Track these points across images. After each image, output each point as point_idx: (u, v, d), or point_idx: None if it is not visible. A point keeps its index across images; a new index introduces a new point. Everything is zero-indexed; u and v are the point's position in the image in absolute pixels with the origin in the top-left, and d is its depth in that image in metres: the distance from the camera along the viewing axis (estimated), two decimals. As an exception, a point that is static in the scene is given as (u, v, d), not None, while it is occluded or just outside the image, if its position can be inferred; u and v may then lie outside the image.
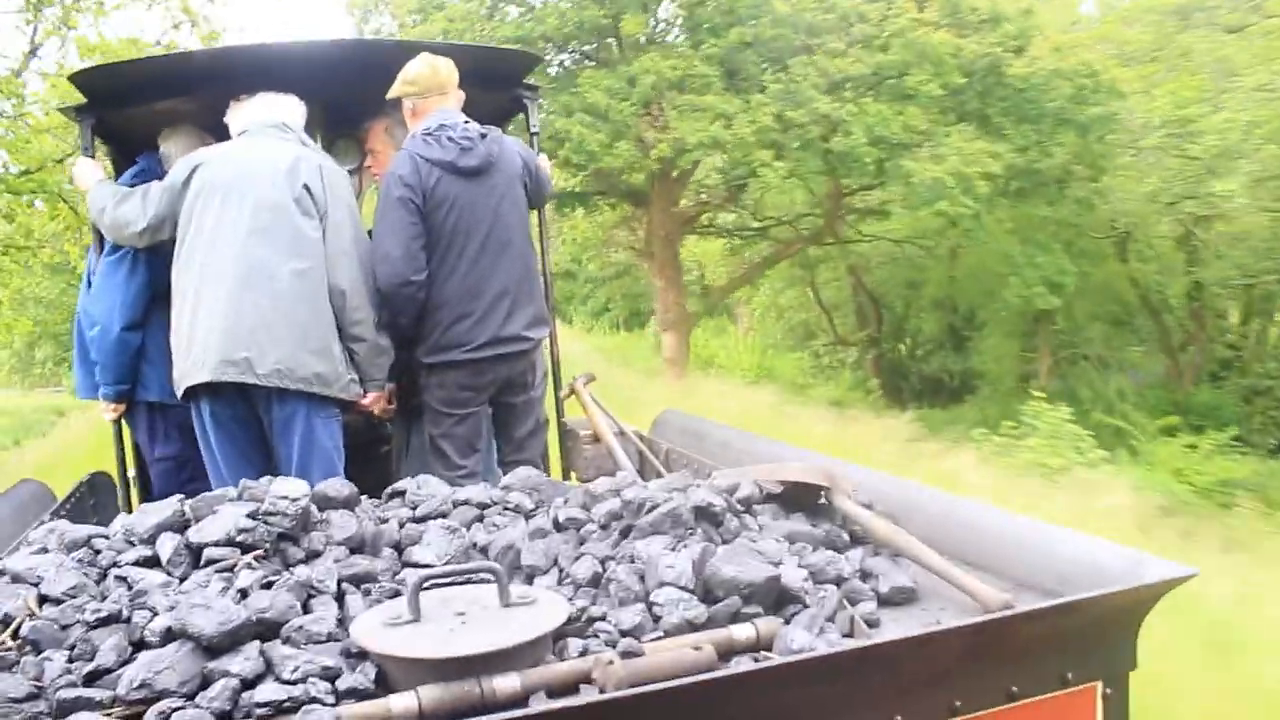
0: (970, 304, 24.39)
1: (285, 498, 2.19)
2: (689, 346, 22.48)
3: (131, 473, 4.08)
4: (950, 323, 26.16)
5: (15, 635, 1.90)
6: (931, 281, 25.08)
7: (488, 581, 2.07)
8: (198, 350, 3.52)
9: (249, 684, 1.75)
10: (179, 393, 3.63)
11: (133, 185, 3.88)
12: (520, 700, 1.74)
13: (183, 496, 2.34)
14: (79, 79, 3.88)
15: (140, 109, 4.02)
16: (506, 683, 1.74)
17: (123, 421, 4.04)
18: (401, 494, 2.56)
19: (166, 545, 2.12)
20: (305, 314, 3.58)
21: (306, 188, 3.66)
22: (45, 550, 2.20)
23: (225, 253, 3.57)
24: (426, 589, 1.94)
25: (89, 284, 4.16)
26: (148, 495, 4.06)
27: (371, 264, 3.77)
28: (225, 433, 3.63)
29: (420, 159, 3.82)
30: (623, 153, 17.54)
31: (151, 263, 3.80)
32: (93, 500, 3.68)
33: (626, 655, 1.83)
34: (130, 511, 3.88)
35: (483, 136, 3.92)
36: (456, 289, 3.86)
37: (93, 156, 3.99)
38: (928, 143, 17.94)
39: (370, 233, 3.90)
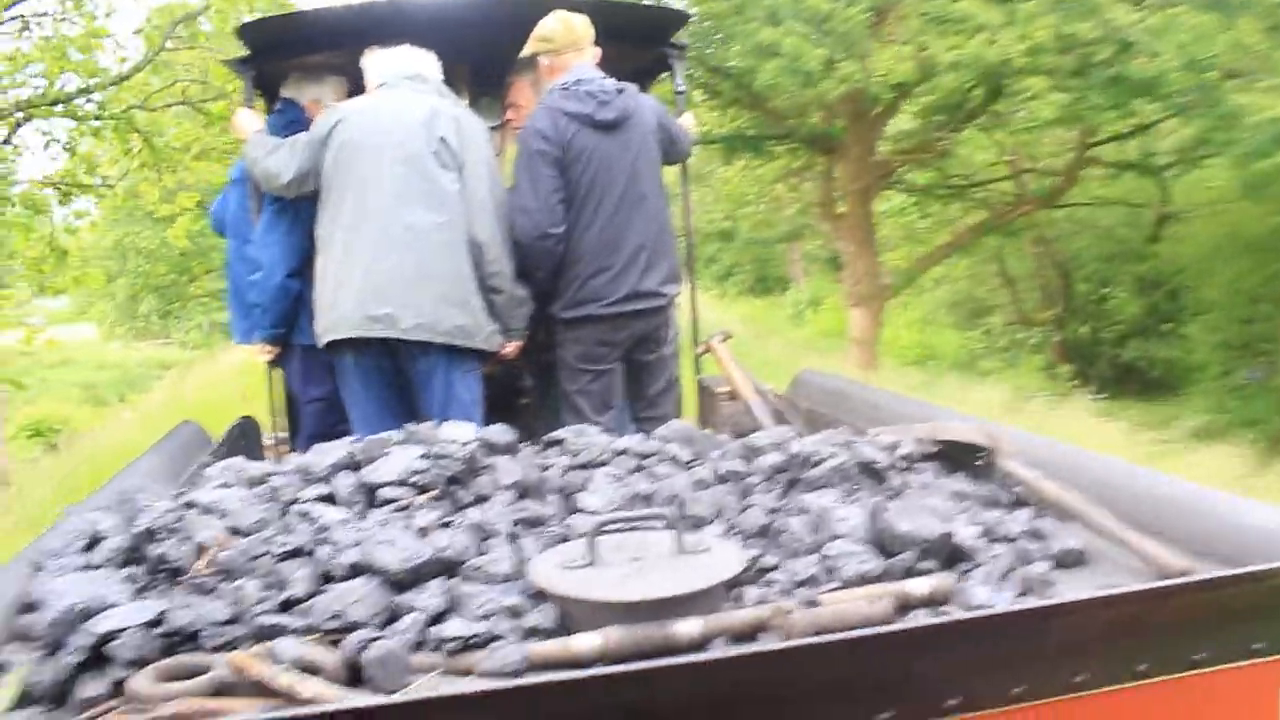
0: (1183, 284, 19.60)
1: (454, 441, 2.23)
2: (880, 326, 17.91)
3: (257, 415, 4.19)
4: (1154, 303, 20.91)
5: (211, 564, 1.96)
6: (1136, 255, 20.45)
7: (657, 529, 2.08)
8: (342, 305, 3.59)
9: (435, 619, 1.79)
10: (320, 344, 3.72)
11: (284, 135, 3.96)
12: (701, 645, 1.74)
13: (357, 438, 2.38)
14: (244, 32, 3.97)
15: (295, 62, 4.11)
16: (688, 627, 1.74)
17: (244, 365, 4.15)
18: (559, 442, 2.59)
19: (343, 484, 2.17)
20: (445, 267, 3.63)
21: (443, 140, 3.70)
22: (227, 485, 2.27)
23: (365, 207, 3.63)
24: (602, 534, 1.95)
25: (236, 235, 4.28)
26: (295, 436, 4.17)
27: (510, 217, 3.80)
28: (367, 384, 3.71)
29: (558, 113, 3.84)
30: (850, 75, 13.02)
31: (311, 211, 3.88)
32: (243, 442, 3.80)
33: (806, 605, 1.82)
34: (276, 453, 4.01)
35: (619, 91, 3.92)
36: (594, 243, 3.87)
37: (253, 108, 4.09)
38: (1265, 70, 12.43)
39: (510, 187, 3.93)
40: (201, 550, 2.00)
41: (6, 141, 10.20)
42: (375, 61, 3.90)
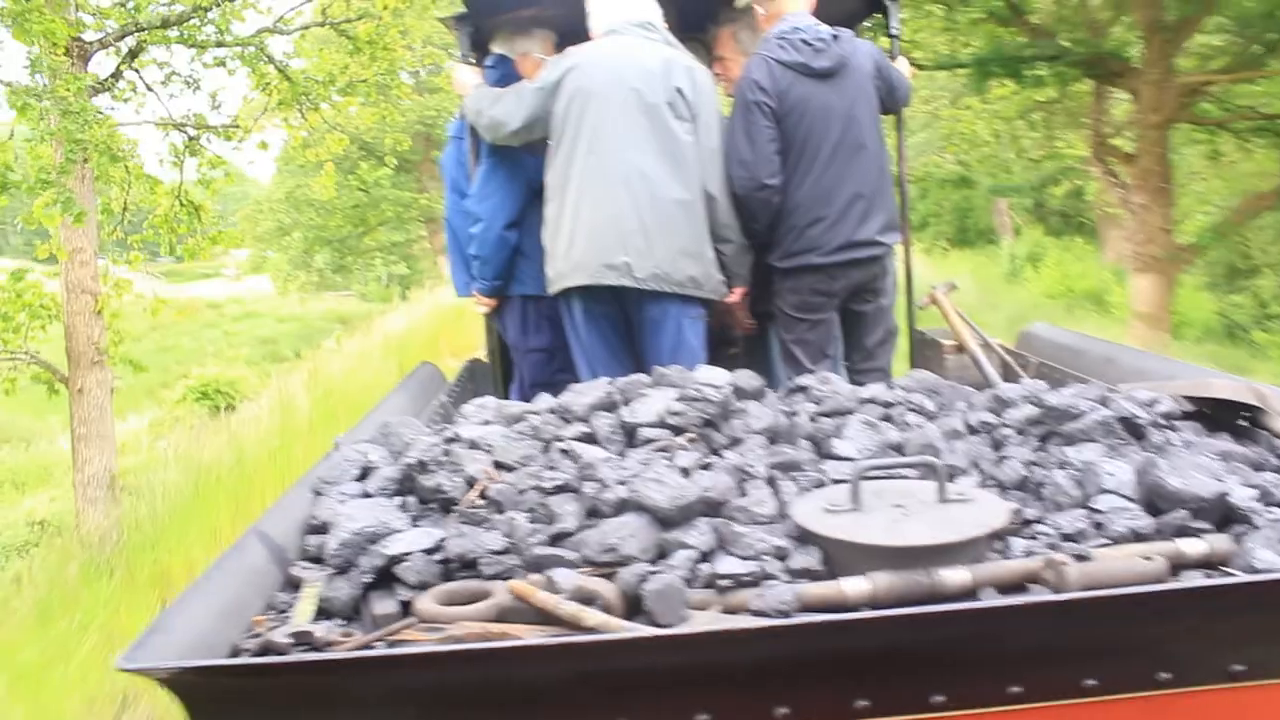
0: None
1: (710, 385, 2.25)
2: (1170, 298, 12.94)
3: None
4: None
5: (482, 495, 2.04)
6: None
7: (916, 478, 2.06)
8: (576, 253, 3.65)
9: (704, 556, 1.82)
10: (551, 291, 3.80)
11: (497, 86, 4.03)
12: (969, 594, 1.73)
13: (610, 380, 2.44)
14: None
15: (507, 16, 4.16)
16: (956, 576, 1.73)
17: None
18: (804, 389, 2.59)
19: (602, 423, 2.23)
20: (681, 218, 3.66)
21: (679, 91, 3.70)
22: (488, 422, 2.35)
23: (601, 156, 3.67)
24: (865, 480, 1.95)
25: (455, 190, 4.38)
26: (508, 383, 4.28)
27: (726, 169, 3.80)
28: (595, 330, 3.77)
29: (774, 62, 3.80)
30: None
31: (530, 162, 3.95)
32: (472, 384, 3.92)
33: (1077, 559, 1.78)
34: (501, 396, 4.13)
35: (835, 38, 3.85)
36: (810, 193, 3.83)
37: (471, 63, 4.17)
38: None
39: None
40: (471, 483, 2.08)
41: (117, 76, 8.61)
42: (602, 6, 3.91)
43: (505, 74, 4.21)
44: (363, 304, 40.39)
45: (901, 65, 4.21)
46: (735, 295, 3.90)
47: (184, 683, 1.56)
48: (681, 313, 3.70)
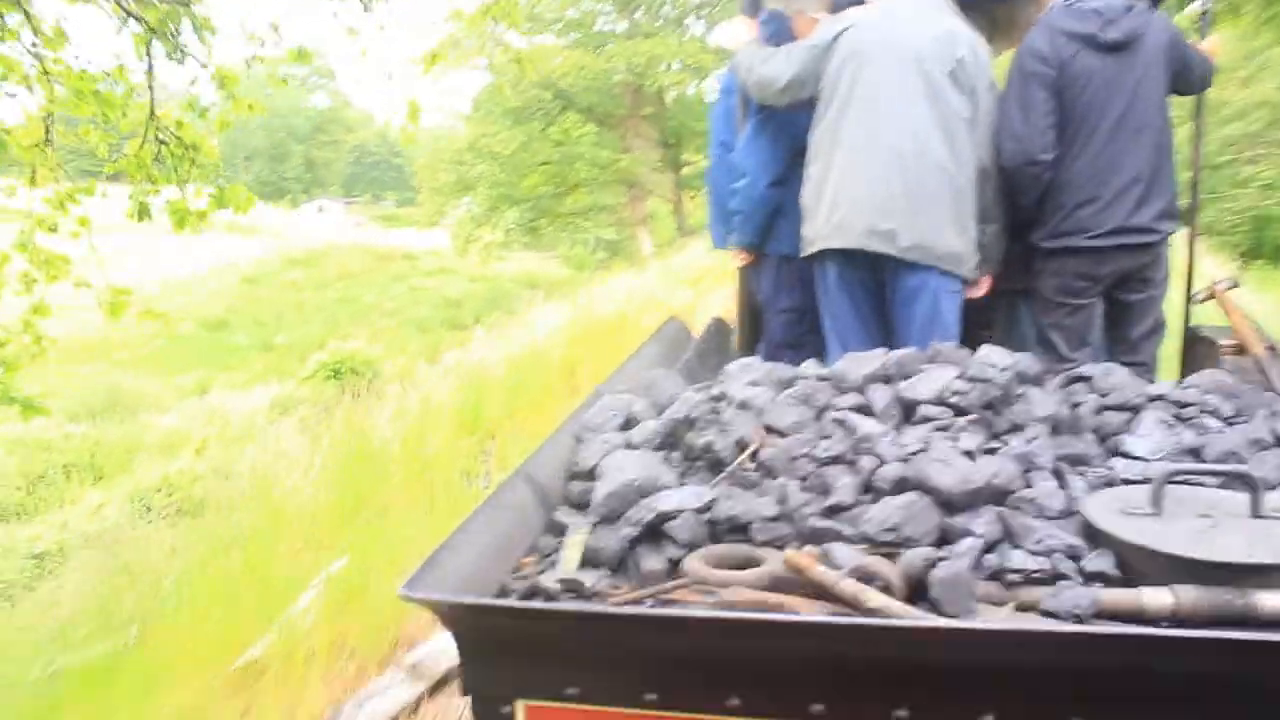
0: None
1: (994, 365, 2.13)
2: None
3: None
4: None
5: (753, 458, 1.99)
6: None
7: (1220, 487, 1.90)
8: (838, 216, 3.55)
9: (989, 547, 1.72)
10: (805, 252, 3.71)
11: (769, 44, 3.94)
12: None
13: (887, 351, 2.34)
14: None
15: None
16: (1274, 601, 1.57)
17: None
18: (1086, 379, 2.43)
19: (878, 396, 2.14)
20: (950, 191, 3.51)
21: (960, 61, 3.54)
22: (756, 384, 2.29)
23: (874, 120, 3.55)
24: (1170, 484, 1.80)
25: (719, 142, 4.34)
26: (756, 341, 4.23)
27: (996, 141, 3.62)
28: (848, 296, 3.67)
29: (1058, 32, 3.58)
30: None
31: (797, 120, 3.86)
32: (717, 340, 3.89)
33: None
34: (743, 354, 4.08)
35: (1128, 9, 3.60)
36: (1084, 171, 3.61)
37: (751, 19, 4.09)
38: None
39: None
40: (742, 445, 2.03)
41: None
42: None
43: (778, 31, 4.13)
44: (562, 270, 40.19)
45: (1211, 43, 3.91)
46: (983, 285, 3.73)
47: (458, 617, 1.57)
48: (940, 286, 3.56)
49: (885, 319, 3.67)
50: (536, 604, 1.60)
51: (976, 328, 4.01)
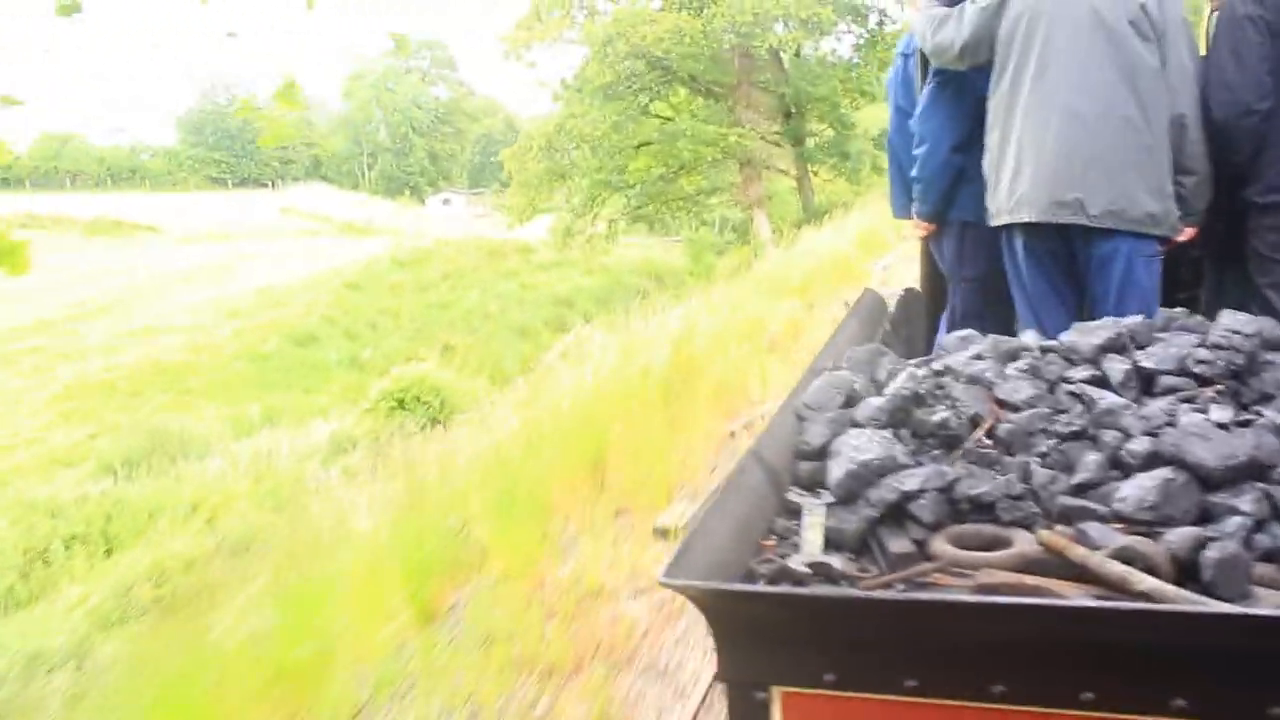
0: None
1: (1238, 332, 2.04)
2: None
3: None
4: None
5: (989, 434, 1.96)
6: None
7: None
8: (1022, 186, 3.44)
9: (1257, 525, 1.65)
10: (993, 223, 3.62)
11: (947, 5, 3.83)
12: None
13: (1117, 320, 2.27)
14: None
15: None
16: None
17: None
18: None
19: (1115, 367, 2.07)
20: (1141, 149, 3.36)
21: (1143, 7, 3.37)
22: (981, 358, 2.25)
23: (1054, 81, 3.41)
24: None
25: (897, 107, 4.25)
26: (938, 313, 4.15)
27: (1205, 91, 3.44)
28: (1037, 266, 3.56)
29: None
30: None
31: (978, 83, 3.76)
32: (907, 314, 3.83)
33: None
34: (933, 327, 4.01)
35: None
36: None
37: None
38: None
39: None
40: (975, 421, 1.99)
41: None
42: None
43: None
44: (684, 258, 37.36)
45: None
46: (1186, 234, 3.55)
47: (714, 604, 1.59)
48: (1134, 250, 3.41)
49: (1078, 287, 3.55)
50: (795, 590, 1.60)
51: (1171, 289, 3.85)
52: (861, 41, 34.58)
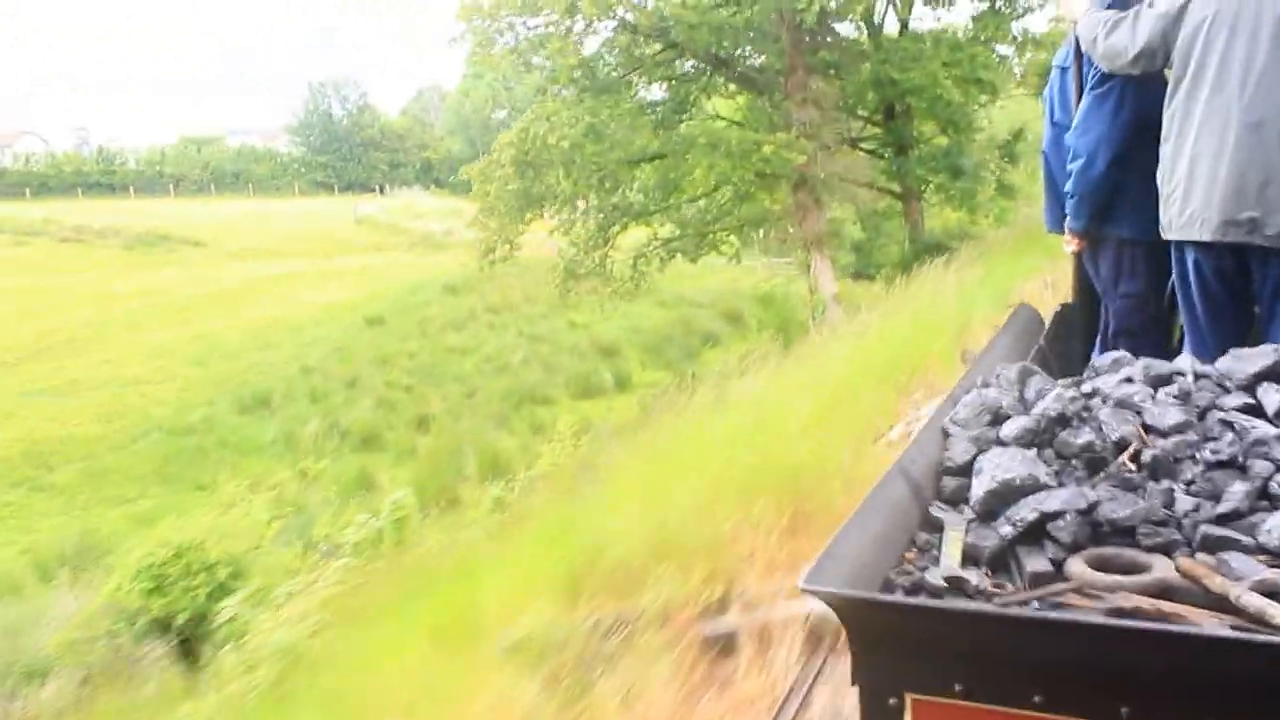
0: None
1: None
2: None
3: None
4: None
5: (1134, 459, 1.97)
6: None
7: None
8: (1193, 204, 3.35)
9: None
10: (1165, 237, 3.54)
11: (1110, 10, 3.75)
12: None
13: (1277, 348, 2.24)
14: None
15: None
16: None
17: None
18: None
19: (1271, 397, 2.06)
20: None
21: None
22: (1131, 381, 2.25)
23: (1228, 95, 3.31)
24: None
25: (1052, 121, 4.18)
26: (1093, 329, 4.08)
27: None
28: (1207, 285, 3.46)
29: None
30: None
31: (1140, 95, 3.68)
32: (1063, 330, 3.78)
33: None
34: (1091, 344, 3.95)
35: None
36: None
37: None
38: None
39: None
40: (1121, 445, 2.01)
41: None
42: None
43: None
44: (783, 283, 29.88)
45: None
46: None
47: (852, 611, 1.66)
48: None
49: (1250, 308, 3.45)
50: (931, 601, 1.66)
51: None
52: (981, 10, 24.02)
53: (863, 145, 25.80)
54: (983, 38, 23.63)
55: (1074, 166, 3.84)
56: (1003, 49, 24.29)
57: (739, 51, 23.57)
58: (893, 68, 22.33)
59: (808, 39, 22.46)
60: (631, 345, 27.49)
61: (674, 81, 24.34)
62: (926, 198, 25.19)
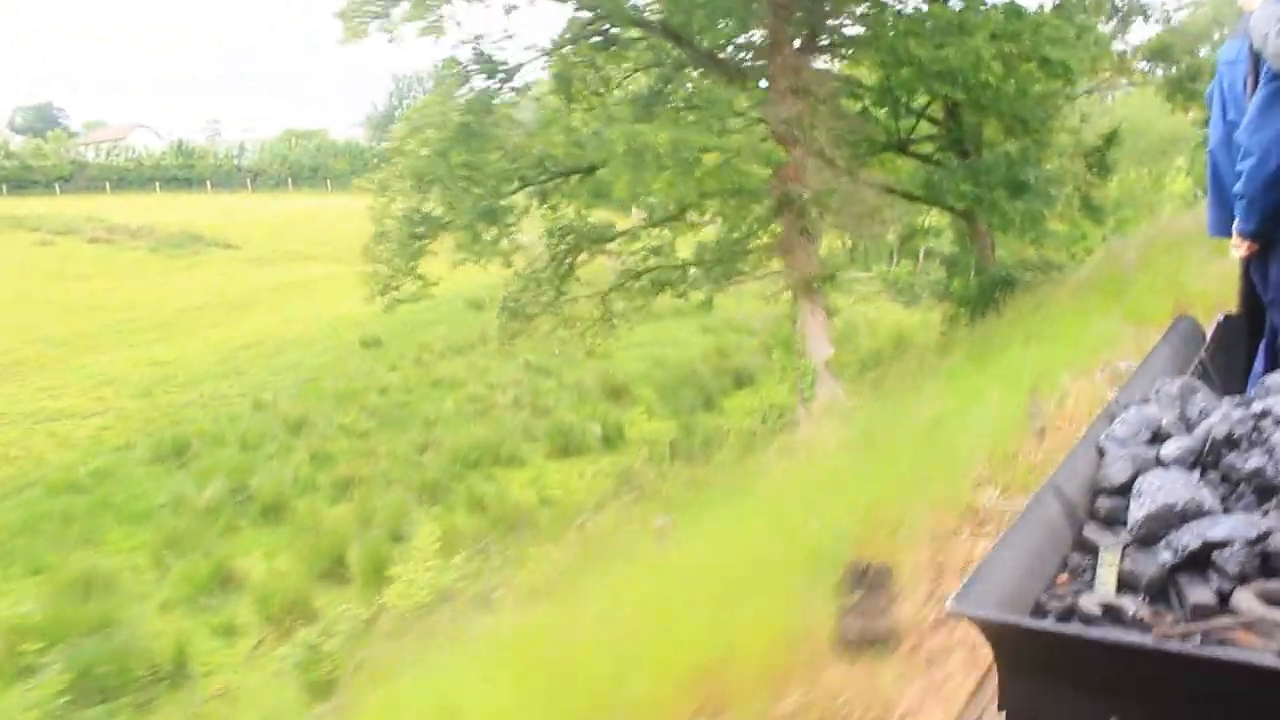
0: None
1: None
2: None
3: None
4: None
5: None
6: None
7: None
8: None
9: None
10: None
11: None
12: None
13: None
14: None
15: None
16: None
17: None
18: None
19: None
20: None
21: None
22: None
23: None
24: None
25: (1224, 118, 3.99)
26: (1258, 341, 3.89)
27: None
28: None
29: None
30: None
31: None
32: (1225, 342, 3.60)
33: None
34: (1251, 358, 3.76)
35: None
36: None
37: None
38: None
39: None
40: (1298, 471, 1.90)
41: None
42: None
43: None
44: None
45: None
46: None
47: (1002, 636, 1.61)
48: None
49: None
50: (1086, 631, 1.60)
51: None
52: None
53: (915, 150, 20.25)
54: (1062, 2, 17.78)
55: (1244, 166, 3.67)
56: (1087, 23, 18.21)
57: (701, 22, 16.37)
58: (918, 43, 15.49)
59: (799, 4, 16.40)
60: (649, 382, 22.78)
61: (628, 65, 18.12)
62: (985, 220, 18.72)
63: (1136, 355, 5.44)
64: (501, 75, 16.09)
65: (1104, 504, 2.00)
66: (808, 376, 16.08)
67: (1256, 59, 3.67)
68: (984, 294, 17.54)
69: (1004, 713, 1.63)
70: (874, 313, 29.14)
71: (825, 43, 17.87)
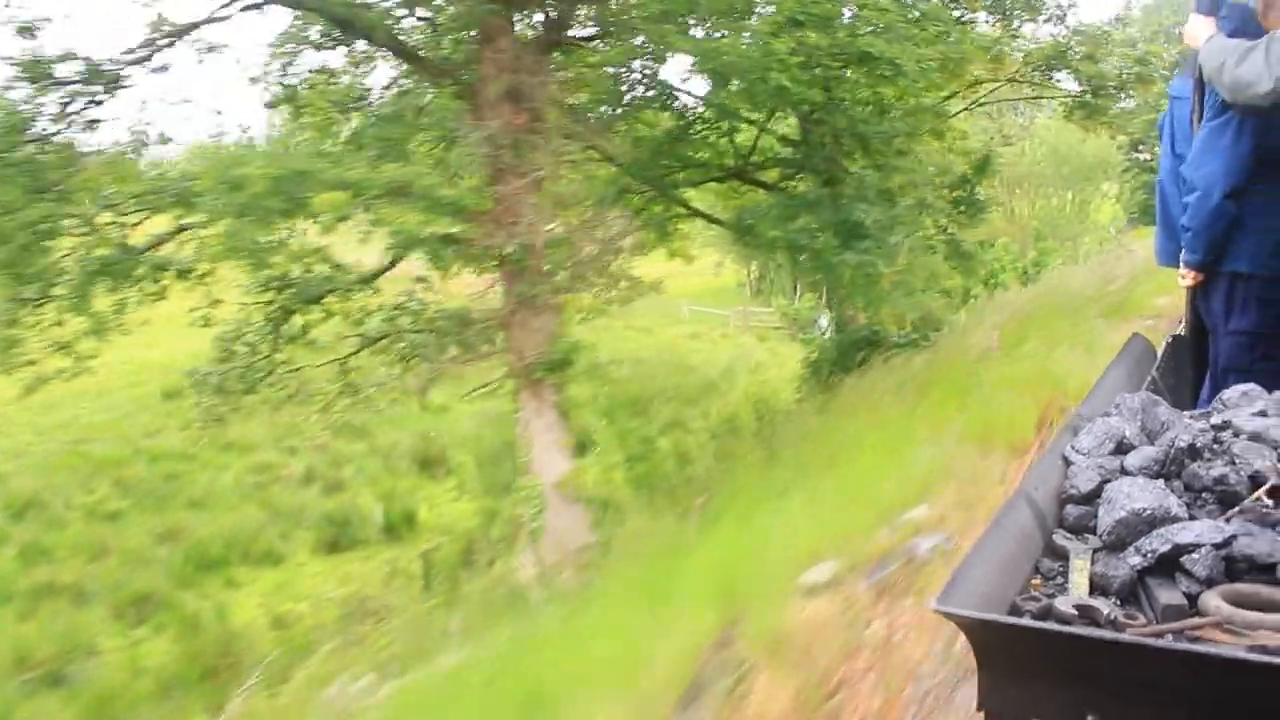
0: None
1: None
2: None
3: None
4: None
5: (1272, 494, 1.92)
6: None
7: None
8: None
9: None
10: None
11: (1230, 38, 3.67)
12: None
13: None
14: None
15: None
16: None
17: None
18: None
19: None
20: None
21: None
22: (1265, 414, 2.21)
23: None
24: None
25: (1173, 151, 4.10)
26: (1203, 365, 3.99)
27: None
28: None
29: None
30: None
31: (1260, 127, 3.60)
32: (1174, 362, 3.70)
33: None
34: (1201, 378, 3.86)
35: None
36: None
37: (1209, 15, 3.83)
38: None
39: None
40: (1257, 480, 1.96)
41: None
42: None
43: (1241, 25, 3.83)
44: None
45: None
46: None
47: (984, 634, 1.64)
48: None
49: None
50: (1069, 628, 1.64)
51: None
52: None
53: (759, 179, 16.57)
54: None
55: (1190, 199, 3.77)
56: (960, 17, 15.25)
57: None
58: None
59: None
60: (475, 447, 18.75)
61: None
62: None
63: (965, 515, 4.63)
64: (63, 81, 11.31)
65: (1072, 512, 2.05)
66: (535, 503, 12.42)
67: (1202, 93, 3.77)
68: (842, 358, 15.10)
69: (983, 712, 1.66)
70: (764, 354, 26.18)
71: (573, 34, 14.09)
